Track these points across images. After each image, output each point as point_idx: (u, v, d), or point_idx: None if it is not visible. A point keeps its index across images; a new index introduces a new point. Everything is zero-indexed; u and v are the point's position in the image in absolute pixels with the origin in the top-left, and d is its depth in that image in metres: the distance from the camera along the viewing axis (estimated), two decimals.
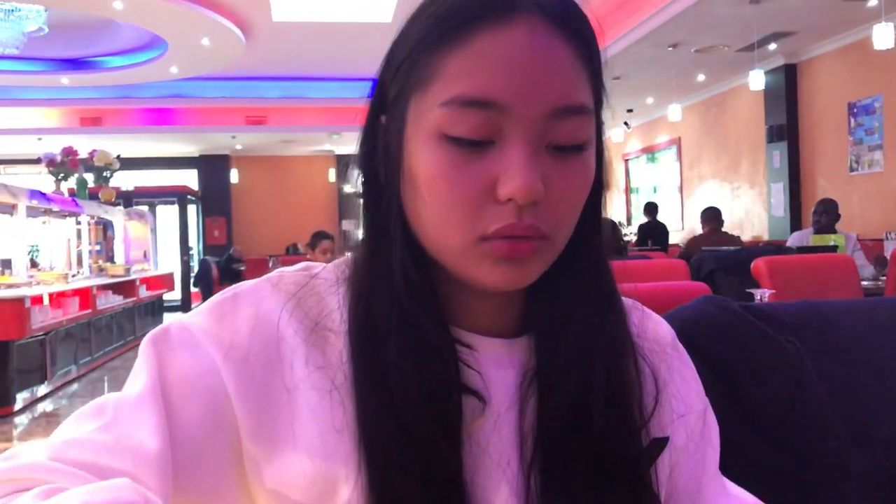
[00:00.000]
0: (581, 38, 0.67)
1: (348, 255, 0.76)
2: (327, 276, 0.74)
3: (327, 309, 0.71)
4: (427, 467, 0.64)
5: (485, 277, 0.66)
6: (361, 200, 0.73)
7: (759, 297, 2.93)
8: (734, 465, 1.12)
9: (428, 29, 0.67)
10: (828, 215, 6.06)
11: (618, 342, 0.73)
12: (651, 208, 10.80)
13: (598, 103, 0.70)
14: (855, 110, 9.13)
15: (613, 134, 14.03)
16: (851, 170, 9.25)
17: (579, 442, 0.69)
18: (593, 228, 0.73)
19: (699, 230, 8.01)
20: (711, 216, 7.25)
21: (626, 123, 14.21)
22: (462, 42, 0.64)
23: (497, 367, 0.71)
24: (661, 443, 0.75)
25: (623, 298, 0.79)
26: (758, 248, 5.23)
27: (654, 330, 0.82)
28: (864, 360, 1.25)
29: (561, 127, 0.65)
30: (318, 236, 6.18)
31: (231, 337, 0.68)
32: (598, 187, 0.73)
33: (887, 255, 5.69)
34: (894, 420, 1.21)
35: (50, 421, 6.14)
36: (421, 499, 0.64)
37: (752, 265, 3.92)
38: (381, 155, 0.71)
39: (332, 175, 17.77)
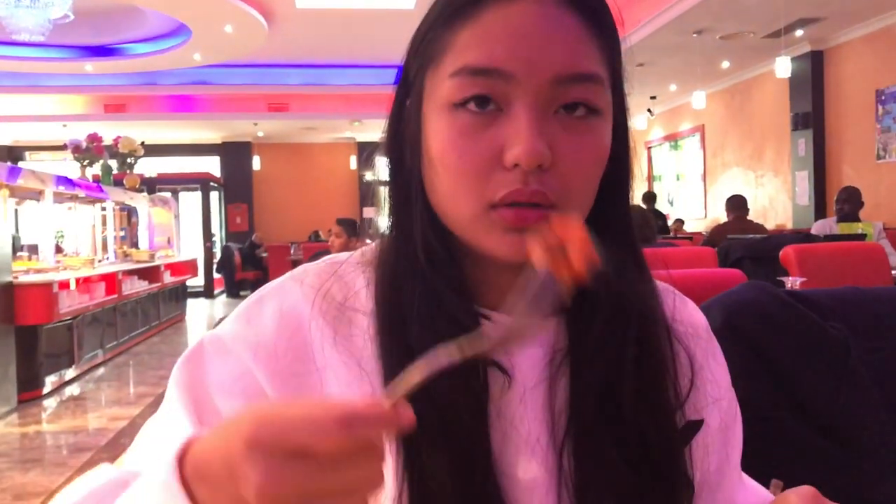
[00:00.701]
0: (591, 11, 0.68)
1: (373, 244, 0.77)
2: (353, 261, 0.76)
3: (353, 290, 0.73)
4: (454, 440, 0.65)
5: (495, 247, 0.66)
6: (388, 183, 0.75)
7: (790, 286, 2.92)
8: (783, 451, 1.12)
9: (441, 8, 0.69)
10: (850, 203, 6.01)
11: (650, 323, 0.73)
12: (649, 197, 10.83)
13: (618, 83, 0.71)
14: (883, 97, 9.02)
15: (637, 121, 13.94)
16: (878, 158, 9.14)
17: (613, 421, 0.69)
18: (621, 208, 0.74)
19: (723, 218, 7.96)
20: (737, 204, 7.20)
21: (649, 111, 14.11)
22: (472, 17, 0.66)
23: (526, 348, 0.72)
24: (696, 425, 0.75)
25: (657, 282, 0.80)
26: (785, 237, 5.19)
27: (689, 314, 0.82)
28: None
29: (568, 94, 0.66)
30: (338, 221, 6.21)
31: (257, 336, 0.70)
32: (624, 167, 0.73)
33: None
34: None
35: (78, 404, 6.21)
36: (450, 471, 0.65)
37: (780, 253, 3.89)
38: (406, 138, 0.73)
39: (353, 162, 17.79)
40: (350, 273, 0.75)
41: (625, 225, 0.74)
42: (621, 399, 0.69)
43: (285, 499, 0.44)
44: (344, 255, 0.78)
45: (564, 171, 0.65)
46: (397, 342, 0.68)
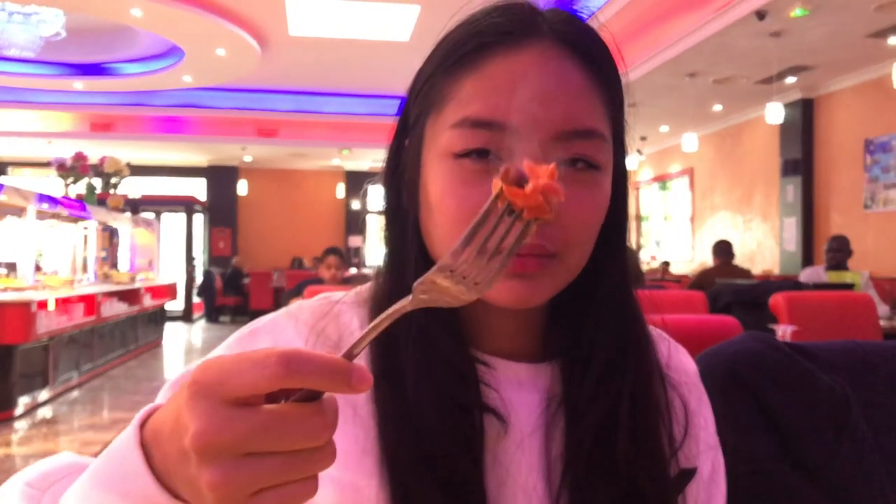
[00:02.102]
0: (597, 65, 0.68)
1: (369, 283, 0.77)
2: (349, 300, 0.76)
3: (348, 330, 0.73)
4: (449, 487, 0.65)
5: (494, 293, 0.65)
6: (384, 222, 0.76)
7: (781, 333, 2.88)
8: None
9: (444, 55, 0.70)
10: (841, 252, 6.03)
11: (645, 371, 0.73)
12: None
13: (619, 133, 0.72)
14: (871, 147, 9.09)
15: (627, 160, 14.03)
16: (866, 207, 9.19)
17: (608, 469, 0.69)
18: (617, 256, 0.73)
19: (710, 261, 7.97)
20: (723, 249, 7.23)
21: (638, 151, 14.20)
22: (475, 66, 0.66)
23: (520, 391, 0.72)
24: (689, 473, 0.76)
25: (651, 328, 0.80)
26: (774, 283, 5.17)
27: (681, 362, 0.83)
28: None
29: (570, 148, 0.65)
30: (327, 252, 6.15)
31: None
32: (622, 216, 0.74)
33: None
34: None
35: (50, 427, 6.07)
36: None
37: (770, 300, 3.87)
38: (402, 178, 0.74)
39: (340, 190, 17.79)
40: (345, 313, 0.75)
41: (620, 271, 0.74)
42: (617, 447, 0.69)
43: (220, 450, 0.41)
44: (339, 293, 0.78)
45: (565, 224, 0.65)
46: (391, 386, 0.67)
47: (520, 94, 0.64)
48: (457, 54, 0.68)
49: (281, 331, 0.73)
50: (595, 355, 0.71)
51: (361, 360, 0.67)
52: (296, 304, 0.76)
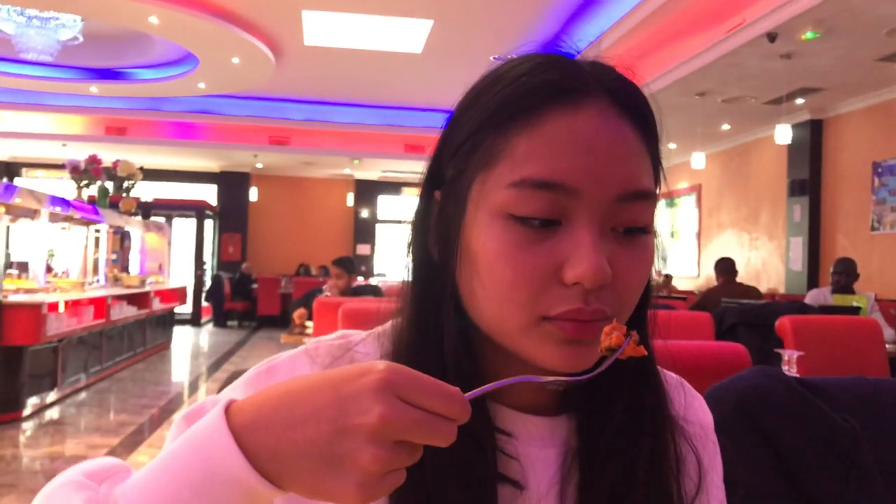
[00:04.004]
0: (645, 123, 0.68)
1: (388, 325, 0.75)
2: (367, 350, 0.73)
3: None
4: None
5: (547, 358, 0.65)
6: (410, 271, 0.73)
7: (787, 358, 2.91)
8: None
9: (493, 110, 0.66)
10: (847, 275, 6.03)
11: (660, 426, 0.73)
12: None
13: (658, 185, 0.72)
14: (879, 170, 9.11)
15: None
16: (873, 229, 9.21)
17: None
18: (641, 309, 0.72)
19: (714, 278, 7.99)
20: (726, 268, 7.24)
21: None
22: (531, 124, 0.64)
23: (539, 447, 0.71)
24: None
25: (667, 374, 0.80)
26: (781, 305, 5.20)
27: (697, 413, 0.82)
28: None
29: (626, 211, 0.65)
30: (335, 262, 6.12)
31: None
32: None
33: None
34: None
35: (57, 429, 6.12)
36: None
37: (776, 323, 3.90)
38: (434, 233, 0.71)
39: (350, 199, 17.84)
40: (364, 359, 0.73)
41: (640, 320, 0.73)
42: (631, 502, 0.69)
43: (391, 433, 0.49)
44: (358, 334, 0.76)
45: (621, 288, 0.65)
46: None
47: (583, 153, 0.63)
48: (508, 111, 0.65)
49: (298, 370, 0.71)
50: (613, 408, 0.71)
51: None
52: (314, 343, 0.74)
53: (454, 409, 0.50)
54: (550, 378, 0.58)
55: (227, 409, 0.52)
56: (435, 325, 0.69)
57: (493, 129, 0.66)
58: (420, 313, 0.71)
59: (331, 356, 0.72)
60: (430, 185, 0.72)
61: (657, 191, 0.70)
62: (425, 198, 0.72)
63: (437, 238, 0.70)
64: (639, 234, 0.66)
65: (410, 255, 0.73)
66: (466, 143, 0.68)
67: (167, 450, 0.53)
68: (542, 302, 0.63)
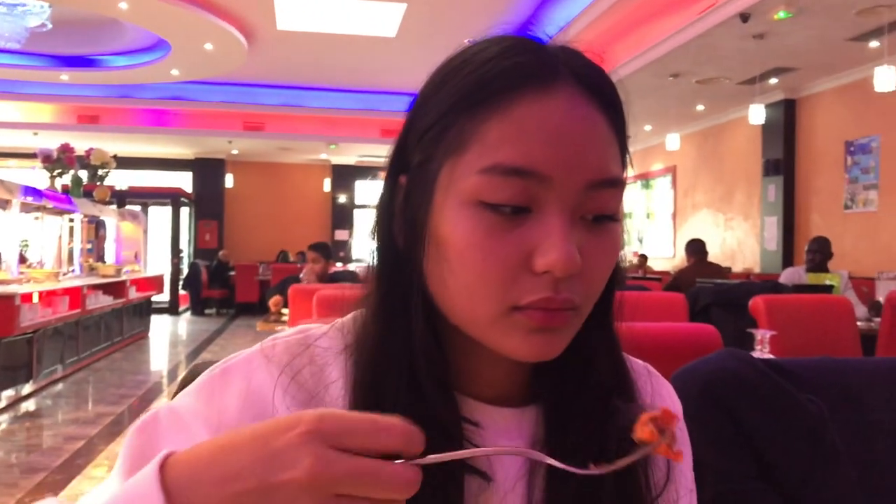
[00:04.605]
0: (613, 108, 0.67)
1: (351, 317, 0.73)
2: (329, 345, 0.71)
3: (326, 381, 0.69)
4: None
5: (516, 348, 0.64)
6: (374, 265, 0.71)
7: (760, 338, 2.93)
8: None
9: (463, 94, 0.65)
10: (821, 254, 6.08)
11: (628, 415, 0.70)
12: None
13: (625, 170, 0.70)
14: (852, 149, 9.20)
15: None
16: (846, 208, 9.31)
17: None
18: (607, 298, 0.71)
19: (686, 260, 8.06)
20: (696, 249, 7.29)
21: None
22: (502, 109, 0.63)
23: (506, 439, 0.70)
24: None
25: (633, 361, 0.79)
26: (754, 285, 5.24)
27: (666, 401, 0.81)
28: (886, 424, 1.25)
29: (596, 199, 0.64)
30: (311, 247, 6.09)
31: (219, 416, 0.66)
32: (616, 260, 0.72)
33: (878, 294, 5.72)
34: None
35: (33, 421, 6.07)
36: None
37: (750, 303, 3.93)
38: (400, 219, 0.69)
39: (327, 185, 17.76)
40: (323, 356, 0.70)
41: (607, 313, 0.73)
42: (597, 496, 0.68)
43: (324, 485, 0.47)
44: (320, 328, 0.73)
45: (589, 276, 0.64)
46: None
47: (555, 141, 0.62)
48: (480, 93, 0.64)
49: (254, 371, 0.68)
50: (580, 401, 0.70)
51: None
52: (270, 341, 0.71)
53: (395, 443, 0.49)
54: (551, 460, 0.57)
55: (163, 465, 0.51)
56: (402, 316, 0.67)
57: (463, 113, 0.64)
58: (385, 303, 0.69)
59: (289, 354, 0.70)
60: (395, 169, 0.70)
61: (624, 177, 0.69)
62: (390, 183, 0.71)
63: (402, 225, 0.69)
64: (607, 222, 0.66)
65: (375, 241, 0.71)
66: (434, 128, 0.66)
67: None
68: (513, 291, 0.62)
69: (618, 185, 0.66)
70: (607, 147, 0.65)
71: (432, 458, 0.51)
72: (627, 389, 0.74)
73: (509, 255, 0.62)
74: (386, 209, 0.70)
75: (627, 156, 0.70)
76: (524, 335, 0.63)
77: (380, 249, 0.71)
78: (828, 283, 5.38)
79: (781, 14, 7.01)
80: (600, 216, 0.65)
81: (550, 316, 0.62)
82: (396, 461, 0.49)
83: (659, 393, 0.81)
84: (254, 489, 0.48)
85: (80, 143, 10.24)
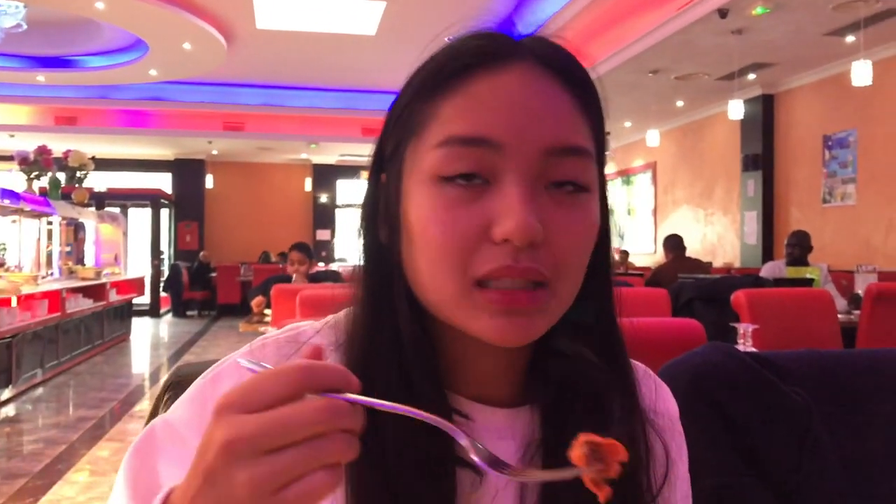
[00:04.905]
0: (579, 86, 0.66)
1: (343, 314, 0.72)
2: (321, 342, 0.70)
3: None
4: None
5: (483, 329, 0.62)
6: (361, 264, 0.71)
7: (742, 332, 2.95)
8: None
9: (423, 80, 0.66)
10: (800, 247, 6.12)
11: (627, 416, 0.70)
12: None
13: (601, 154, 0.69)
14: (830, 143, 9.28)
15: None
16: (824, 202, 9.39)
17: None
18: (604, 291, 0.70)
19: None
20: (674, 244, 7.32)
21: None
22: (458, 88, 0.64)
23: (497, 439, 0.69)
24: None
25: (636, 364, 0.77)
26: (736, 279, 5.28)
27: (666, 405, 0.80)
28: (869, 413, 1.26)
29: (558, 167, 0.63)
30: (292, 247, 6.10)
31: None
32: (605, 243, 0.70)
33: (857, 287, 5.77)
34: None
35: (13, 427, 6.01)
36: None
37: (732, 297, 3.96)
38: (382, 214, 0.69)
39: (308, 184, 17.70)
40: None
41: (607, 309, 0.71)
42: (593, 498, 0.65)
43: (243, 452, 0.45)
44: (312, 326, 0.73)
45: (557, 248, 0.62)
46: (367, 440, 0.63)
47: (507, 109, 0.62)
48: (436, 78, 0.65)
49: (245, 374, 0.65)
50: (577, 401, 0.68)
51: None
52: (259, 341, 0.71)
53: (296, 382, 0.47)
54: (471, 451, 0.55)
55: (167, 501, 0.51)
56: (388, 311, 0.67)
57: (423, 98, 0.66)
58: (373, 299, 0.69)
59: (279, 353, 0.69)
60: (377, 168, 0.71)
61: (596, 151, 0.68)
62: (373, 182, 0.71)
63: (384, 220, 0.69)
64: (578, 193, 0.64)
65: (362, 240, 0.71)
66: (399, 119, 0.68)
67: None
68: (474, 263, 0.61)
69: (582, 154, 0.64)
70: (567, 117, 0.64)
71: (351, 396, 0.49)
72: (629, 391, 0.72)
73: (468, 226, 0.61)
74: (370, 207, 0.71)
75: (606, 135, 0.69)
76: (490, 316, 0.62)
77: (365, 247, 0.71)
78: (808, 276, 5.42)
79: (759, 10, 7.06)
80: (566, 185, 0.64)
81: (513, 295, 0.61)
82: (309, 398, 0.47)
83: (660, 396, 0.80)
84: (206, 491, 0.47)
85: (58, 144, 10.15)
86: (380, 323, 0.67)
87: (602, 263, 0.70)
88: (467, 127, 0.62)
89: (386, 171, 0.69)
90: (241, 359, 0.52)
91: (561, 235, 0.62)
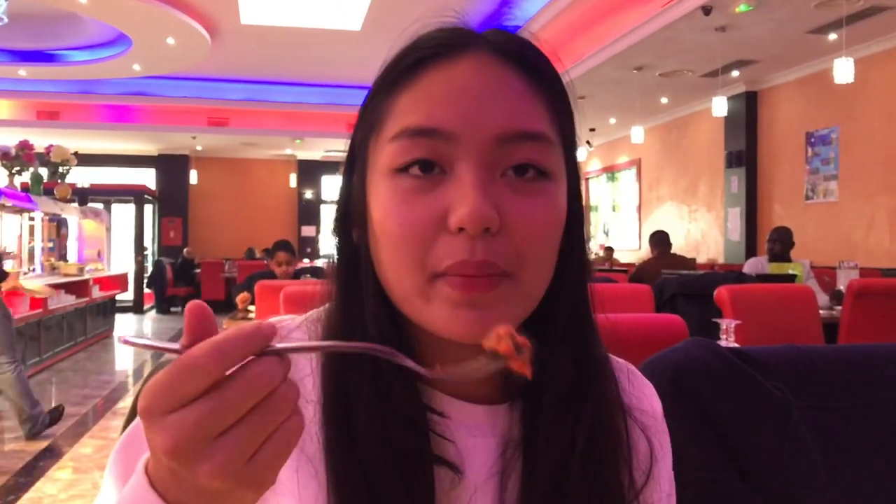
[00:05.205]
0: (536, 72, 0.65)
1: (324, 309, 0.72)
2: (302, 336, 0.71)
3: (298, 375, 0.66)
4: None
5: (443, 324, 0.62)
6: (335, 260, 0.71)
7: (725, 327, 2.97)
8: None
9: (384, 76, 0.67)
10: (782, 243, 6.15)
11: (606, 412, 0.69)
12: None
13: (569, 143, 0.68)
14: (812, 140, 9.33)
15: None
16: (807, 198, 9.45)
17: None
18: (578, 284, 0.69)
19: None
20: (659, 240, 7.34)
21: (587, 143, 14.35)
22: (412, 82, 0.64)
23: (476, 436, 0.68)
24: None
25: (615, 360, 0.77)
26: (719, 275, 5.30)
27: (650, 400, 0.79)
28: (850, 409, 1.27)
29: (515, 153, 0.62)
30: (276, 247, 6.10)
31: None
32: (577, 236, 0.69)
33: (839, 283, 5.81)
34: (877, 472, 1.23)
35: None
36: None
37: (714, 293, 3.97)
38: (354, 214, 0.69)
39: (293, 180, 17.63)
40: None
41: (582, 302, 0.70)
42: (572, 494, 0.66)
43: (193, 448, 0.43)
44: (292, 321, 0.72)
45: (516, 237, 0.61)
46: (344, 437, 0.64)
47: (457, 98, 0.62)
48: (393, 73, 0.66)
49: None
50: (557, 397, 0.67)
51: (312, 406, 0.65)
52: None
53: (216, 372, 0.44)
54: (407, 361, 0.54)
55: (147, 467, 0.49)
56: (359, 307, 0.67)
57: (383, 93, 0.67)
58: (345, 297, 0.69)
59: None
60: (350, 166, 0.71)
61: (563, 140, 0.67)
62: (346, 180, 0.71)
63: (356, 219, 0.69)
64: (539, 180, 0.63)
65: (336, 239, 0.71)
66: (364, 114, 0.69)
67: None
68: (432, 256, 0.61)
69: (540, 139, 0.63)
70: (522, 103, 0.64)
71: (280, 346, 0.46)
72: (609, 388, 0.71)
73: (424, 217, 0.61)
74: (344, 206, 0.71)
75: (569, 120, 0.68)
76: (451, 309, 0.61)
77: (339, 245, 0.71)
78: (791, 272, 5.45)
79: (742, 7, 7.09)
80: (527, 173, 0.63)
81: (471, 282, 0.60)
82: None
83: (643, 392, 0.79)
84: (179, 487, 0.46)
85: (40, 139, 10.08)
86: (352, 320, 0.67)
87: (575, 255, 0.69)
88: (419, 118, 0.62)
89: (355, 168, 0.70)
90: (126, 336, 0.49)
91: (520, 223, 0.61)
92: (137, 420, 0.64)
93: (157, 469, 0.47)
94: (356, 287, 0.68)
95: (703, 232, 11.71)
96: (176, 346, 0.47)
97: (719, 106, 8.71)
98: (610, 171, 15.00)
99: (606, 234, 15.10)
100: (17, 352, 5.57)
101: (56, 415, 5.54)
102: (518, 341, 0.54)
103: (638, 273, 7.00)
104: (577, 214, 0.69)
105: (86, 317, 9.89)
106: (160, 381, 0.44)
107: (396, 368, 0.64)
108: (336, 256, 0.71)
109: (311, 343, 0.52)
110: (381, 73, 0.68)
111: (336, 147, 15.60)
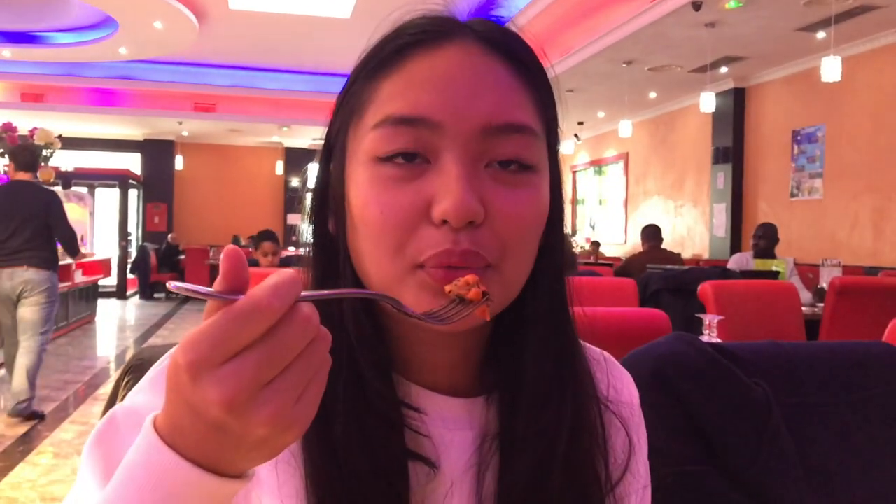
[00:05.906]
0: (522, 63, 0.65)
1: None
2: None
3: None
4: None
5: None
6: (312, 251, 0.70)
7: (708, 323, 2.98)
8: None
9: (365, 61, 0.66)
10: (766, 239, 6.18)
11: (582, 404, 0.69)
12: None
13: (552, 137, 0.67)
14: (798, 137, 9.38)
15: (564, 146, 14.24)
16: (792, 195, 9.49)
17: None
18: (554, 277, 0.69)
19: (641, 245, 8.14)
20: (651, 234, 7.35)
21: (576, 136, 14.36)
22: (395, 68, 0.63)
23: (453, 429, 0.68)
24: None
25: (590, 349, 0.77)
26: (703, 271, 5.32)
27: (627, 390, 0.79)
28: (829, 406, 1.27)
29: (500, 145, 0.62)
30: (262, 236, 6.06)
31: None
32: (557, 230, 0.69)
33: (822, 280, 5.85)
34: (853, 470, 1.23)
35: None
36: None
37: (698, 288, 3.99)
38: (331, 203, 0.68)
39: (279, 167, 17.57)
40: None
41: (558, 295, 0.69)
42: (550, 486, 0.66)
43: (247, 400, 0.43)
44: None
45: (500, 229, 0.60)
46: (320, 434, 0.63)
47: (443, 87, 0.61)
48: (376, 59, 0.65)
49: None
50: (533, 390, 0.66)
51: None
52: None
53: (277, 315, 0.43)
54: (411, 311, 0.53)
55: (155, 425, 0.47)
56: (337, 303, 0.66)
57: (364, 79, 0.65)
58: (322, 288, 0.68)
59: None
60: (327, 155, 0.70)
61: (546, 132, 0.66)
62: (323, 169, 0.70)
63: (332, 208, 0.68)
64: (524, 173, 0.63)
65: (310, 228, 0.70)
66: (344, 100, 0.68)
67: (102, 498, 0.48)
68: (414, 246, 0.60)
69: (525, 131, 0.63)
70: (508, 94, 0.63)
71: (305, 294, 0.45)
72: (583, 378, 0.71)
73: (407, 206, 0.60)
74: (320, 195, 0.70)
75: (553, 114, 0.68)
76: (430, 297, 0.60)
77: (314, 235, 0.70)
78: (774, 269, 5.48)
79: (732, 3, 7.10)
80: (510, 164, 0.62)
81: (454, 274, 0.59)
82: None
83: (620, 381, 0.79)
84: (214, 426, 0.45)
85: (24, 121, 9.96)
86: (331, 313, 0.65)
87: (553, 248, 0.68)
88: (403, 106, 0.61)
89: (333, 156, 0.69)
90: (173, 283, 0.47)
91: (504, 216, 0.61)
92: (112, 411, 0.64)
93: (179, 426, 0.46)
94: (332, 277, 0.67)
95: (688, 227, 11.76)
96: (224, 295, 0.45)
97: (707, 102, 8.72)
98: (597, 164, 15.02)
99: (593, 227, 15.13)
100: (52, 329, 5.64)
101: (38, 415, 5.49)
102: (483, 289, 0.57)
103: (626, 266, 7.01)
104: (557, 206, 0.68)
105: (68, 302, 9.81)
106: (210, 331, 0.43)
107: (373, 364, 0.64)
108: (311, 246, 0.70)
109: (333, 291, 0.53)
110: (362, 59, 0.67)
111: (323, 135, 15.56)
